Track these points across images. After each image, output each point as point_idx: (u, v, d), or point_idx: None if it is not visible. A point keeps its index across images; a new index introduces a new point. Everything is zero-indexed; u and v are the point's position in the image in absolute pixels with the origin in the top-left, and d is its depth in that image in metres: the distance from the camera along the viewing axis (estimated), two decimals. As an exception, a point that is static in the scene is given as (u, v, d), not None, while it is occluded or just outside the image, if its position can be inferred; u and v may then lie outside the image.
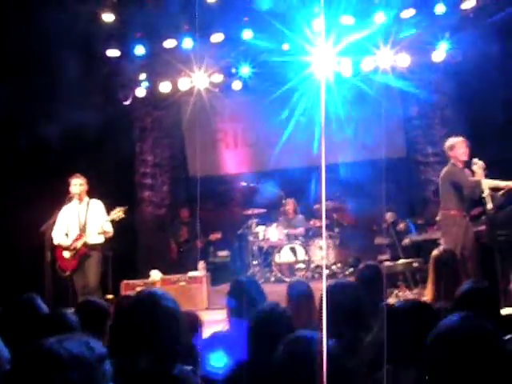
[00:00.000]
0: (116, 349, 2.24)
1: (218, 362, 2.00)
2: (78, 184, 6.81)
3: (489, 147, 7.56)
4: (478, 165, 6.01)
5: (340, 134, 8.89)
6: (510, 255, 5.67)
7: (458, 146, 6.31)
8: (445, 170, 6.43)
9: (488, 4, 8.07)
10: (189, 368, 2.35)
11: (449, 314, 2.95)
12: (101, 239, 6.76)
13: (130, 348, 2.21)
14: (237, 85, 9.35)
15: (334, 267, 8.68)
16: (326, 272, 8.69)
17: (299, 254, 8.58)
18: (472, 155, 6.25)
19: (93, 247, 6.70)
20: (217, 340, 2.61)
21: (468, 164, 6.26)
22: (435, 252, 4.28)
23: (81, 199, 6.83)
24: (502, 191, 6.23)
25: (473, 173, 6.12)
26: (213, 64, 8.79)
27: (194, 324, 3.46)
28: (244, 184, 9.45)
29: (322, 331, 1.91)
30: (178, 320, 2.25)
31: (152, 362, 2.12)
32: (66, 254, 6.67)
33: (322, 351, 1.76)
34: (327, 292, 2.88)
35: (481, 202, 6.12)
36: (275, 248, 8.70)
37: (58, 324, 2.77)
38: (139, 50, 8.77)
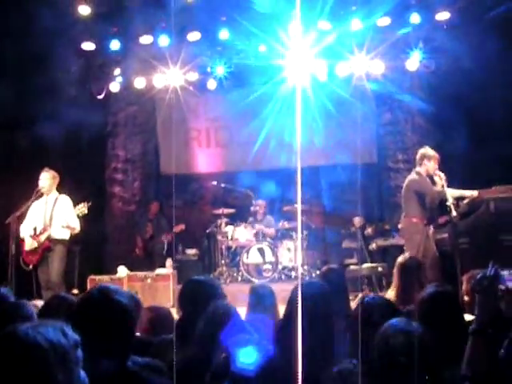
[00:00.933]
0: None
1: (248, 357, 2.00)
2: (45, 178, 6.76)
3: (456, 157, 7.73)
4: (440, 176, 6.15)
5: (313, 137, 8.98)
6: (471, 263, 5.78)
7: (434, 160, 6.43)
8: (409, 178, 6.55)
9: (462, 16, 8.21)
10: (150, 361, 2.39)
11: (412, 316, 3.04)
12: (66, 234, 6.71)
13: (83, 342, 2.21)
14: (212, 84, 9.36)
15: (300, 269, 8.74)
16: (293, 274, 8.74)
17: (267, 255, 8.63)
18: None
19: (57, 241, 6.64)
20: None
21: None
22: (400, 258, 4.38)
23: (49, 193, 6.78)
24: (467, 200, 6.37)
25: (434, 183, 6.26)
26: (188, 62, 8.78)
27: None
28: (215, 183, 9.47)
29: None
30: (131, 315, 2.25)
31: (104, 356, 2.13)
32: (27, 247, 6.62)
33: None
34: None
35: (446, 210, 6.24)
36: (243, 248, 8.74)
37: (15, 314, 2.77)
38: (114, 45, 8.73)
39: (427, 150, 6.52)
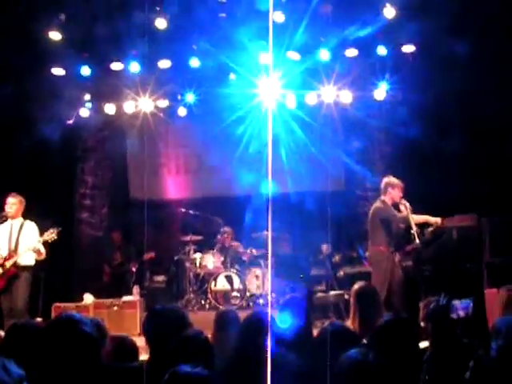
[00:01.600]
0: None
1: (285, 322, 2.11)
2: (11, 203, 6.68)
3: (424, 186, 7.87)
4: (405, 205, 6.27)
5: (282, 164, 9.04)
6: (434, 290, 5.87)
7: (398, 189, 6.56)
8: (374, 206, 6.65)
9: (427, 49, 8.44)
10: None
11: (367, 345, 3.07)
12: (32, 261, 6.62)
13: (46, 371, 2.20)
14: (182, 111, 9.41)
15: (268, 297, 8.72)
16: (261, 301, 8.72)
17: (235, 283, 8.61)
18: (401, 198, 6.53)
19: (23, 268, 6.55)
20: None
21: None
22: (355, 286, 4.40)
23: (14, 218, 6.69)
24: (431, 228, 6.48)
25: (399, 211, 6.38)
26: (158, 89, 8.83)
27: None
28: (183, 210, 9.45)
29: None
30: (95, 344, 2.25)
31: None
32: (-4, 274, 6.50)
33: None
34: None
35: (411, 238, 6.35)
36: (211, 275, 8.70)
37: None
38: (85, 71, 8.73)
39: (390, 179, 6.66)
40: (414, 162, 8.74)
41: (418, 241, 5.97)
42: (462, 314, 3.02)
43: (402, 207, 6.34)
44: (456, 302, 2.67)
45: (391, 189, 6.54)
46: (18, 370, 1.54)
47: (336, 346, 2.75)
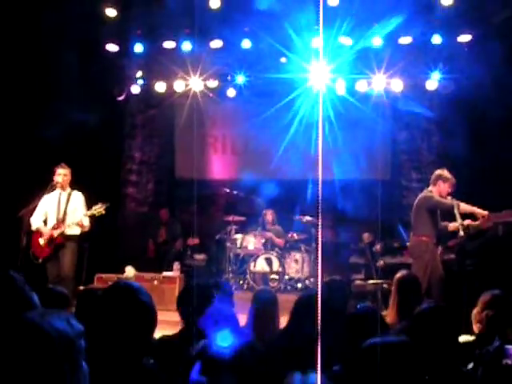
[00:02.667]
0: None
1: (224, 341, 2.05)
2: (62, 174, 6.85)
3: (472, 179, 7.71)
4: (452, 201, 6.15)
5: (330, 150, 8.99)
6: (477, 285, 5.77)
7: (448, 184, 6.42)
8: (421, 196, 6.53)
9: (484, 39, 8.22)
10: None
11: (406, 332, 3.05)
12: (77, 231, 6.80)
13: (96, 338, 2.23)
14: (231, 92, 9.45)
15: (307, 281, 8.75)
16: (299, 285, 8.75)
17: (274, 265, 8.65)
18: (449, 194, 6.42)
19: (69, 238, 6.73)
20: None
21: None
22: (398, 275, 4.38)
23: (63, 189, 6.87)
24: (478, 222, 6.33)
25: None
26: (209, 69, 8.89)
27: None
28: (227, 190, 9.52)
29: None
30: (152, 315, 2.28)
31: (119, 354, 2.14)
32: (42, 241, 6.69)
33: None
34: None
35: (455, 231, 6.23)
36: (251, 256, 8.77)
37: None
38: (138, 48, 8.87)
39: (444, 172, 6.51)
40: (463, 154, 8.55)
41: (462, 233, 5.85)
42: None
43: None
44: (509, 347, 2.50)
45: (442, 182, 6.40)
46: (78, 326, 1.59)
47: (364, 326, 2.76)
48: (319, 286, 4.01)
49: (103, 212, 6.82)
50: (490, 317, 3.33)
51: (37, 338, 1.47)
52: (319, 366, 1.85)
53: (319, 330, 1.99)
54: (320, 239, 7.01)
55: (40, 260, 6.67)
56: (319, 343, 1.89)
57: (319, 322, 2.25)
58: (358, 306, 2.91)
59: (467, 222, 6.14)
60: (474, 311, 3.50)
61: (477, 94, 8.23)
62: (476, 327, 3.45)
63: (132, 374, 2.10)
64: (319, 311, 2.43)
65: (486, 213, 6.27)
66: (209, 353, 1.89)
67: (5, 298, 2.31)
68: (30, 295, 2.82)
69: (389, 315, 4.23)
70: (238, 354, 1.84)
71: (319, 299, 2.94)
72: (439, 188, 6.41)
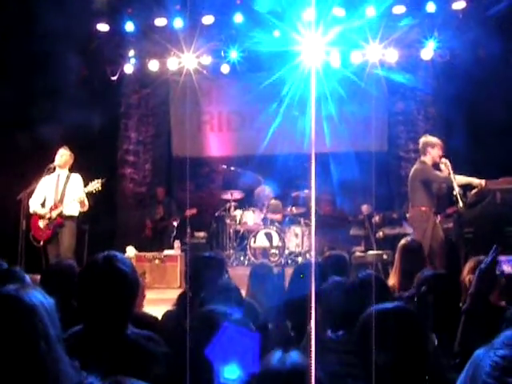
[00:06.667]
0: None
1: (231, 374, 2.00)
2: (64, 155, 6.85)
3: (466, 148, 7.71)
4: (446, 164, 6.13)
5: (326, 123, 8.97)
6: (475, 253, 5.80)
7: (437, 147, 6.41)
8: (414, 167, 6.53)
9: (477, 5, 8.15)
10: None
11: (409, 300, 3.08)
12: (76, 211, 6.80)
13: (82, 309, 2.24)
14: (225, 68, 9.39)
15: (307, 255, 8.80)
16: (300, 259, 8.80)
17: (274, 240, 8.69)
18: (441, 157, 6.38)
19: (68, 218, 6.73)
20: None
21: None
22: (402, 241, 4.40)
23: (61, 169, 6.87)
24: (475, 190, 6.35)
25: (440, 171, 6.26)
26: (202, 45, 8.82)
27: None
28: (225, 167, 9.52)
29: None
30: (132, 285, 2.27)
31: (104, 323, 2.16)
32: (41, 224, 6.70)
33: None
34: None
35: (452, 199, 6.24)
36: (251, 232, 8.80)
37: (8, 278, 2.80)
38: (129, 27, 8.78)
39: (428, 138, 6.51)
40: (458, 123, 8.53)
41: (460, 202, 5.86)
42: (508, 269, 2.95)
43: (442, 166, 6.18)
44: (502, 257, 2.61)
45: (431, 148, 6.39)
46: (52, 299, 1.64)
47: (367, 293, 2.78)
48: (313, 257, 4.05)
49: (100, 188, 6.83)
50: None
51: (24, 307, 1.52)
52: (313, 333, 1.86)
53: (314, 300, 2.00)
54: (313, 212, 7.05)
55: (41, 242, 6.68)
56: (313, 312, 1.89)
57: (313, 292, 2.26)
58: (360, 274, 2.92)
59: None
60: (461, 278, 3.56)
61: (472, 62, 8.20)
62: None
63: (114, 345, 2.12)
64: (313, 281, 2.46)
65: (482, 181, 6.28)
66: None
67: None
68: (22, 276, 2.84)
69: (391, 282, 4.26)
70: None
71: (313, 269, 2.96)
72: (430, 155, 6.39)
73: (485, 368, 1.09)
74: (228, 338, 2.02)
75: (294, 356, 1.63)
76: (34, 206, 6.76)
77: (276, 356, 1.63)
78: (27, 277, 2.85)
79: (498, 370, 1.06)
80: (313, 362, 1.53)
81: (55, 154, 6.85)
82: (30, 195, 6.75)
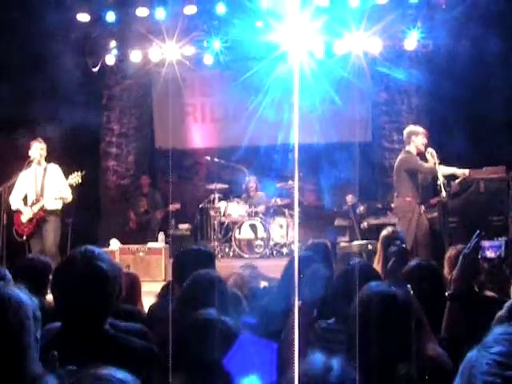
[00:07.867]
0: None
1: None
2: (38, 148, 6.75)
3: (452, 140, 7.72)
4: (431, 153, 6.14)
5: (310, 114, 8.93)
6: (460, 242, 5.82)
7: (422, 136, 6.43)
8: (400, 157, 6.55)
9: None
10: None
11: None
12: (59, 204, 6.73)
13: (59, 303, 2.21)
14: (208, 59, 9.30)
15: (292, 246, 8.78)
16: (285, 250, 8.79)
17: (259, 231, 8.67)
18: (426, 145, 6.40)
19: (51, 212, 6.66)
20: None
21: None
22: (384, 232, 4.40)
23: (39, 164, 6.78)
24: (458, 180, 6.38)
25: (426, 161, 6.27)
26: (184, 36, 8.72)
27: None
28: (208, 159, 9.47)
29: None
30: (109, 281, 2.21)
31: (80, 319, 2.13)
32: (23, 218, 6.62)
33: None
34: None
35: (437, 189, 6.27)
36: (236, 224, 8.77)
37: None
38: (110, 17, 8.65)
39: (411, 127, 6.54)
40: (442, 114, 8.55)
41: (444, 192, 5.88)
42: (491, 254, 2.95)
43: (428, 155, 6.21)
44: (486, 243, 2.62)
45: (414, 136, 6.41)
46: (32, 297, 1.63)
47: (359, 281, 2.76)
48: (296, 249, 4.02)
49: (79, 180, 6.78)
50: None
51: (7, 303, 1.52)
52: (296, 326, 1.83)
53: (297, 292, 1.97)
54: (296, 203, 7.04)
55: (24, 237, 6.60)
56: (296, 305, 1.87)
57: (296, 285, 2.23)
58: (351, 262, 2.91)
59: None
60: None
61: (455, 53, 8.20)
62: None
63: (91, 341, 2.09)
64: (296, 274, 2.43)
65: (466, 171, 6.31)
66: None
67: None
68: (3, 273, 2.79)
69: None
70: None
71: (296, 263, 2.92)
72: (414, 143, 6.42)
73: (481, 368, 1.07)
74: (245, 349, 1.98)
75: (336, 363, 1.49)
76: (16, 202, 6.68)
77: (318, 359, 1.50)
78: (8, 274, 2.79)
79: (496, 366, 1.06)
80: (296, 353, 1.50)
81: (29, 147, 6.76)
82: (9, 189, 6.66)
